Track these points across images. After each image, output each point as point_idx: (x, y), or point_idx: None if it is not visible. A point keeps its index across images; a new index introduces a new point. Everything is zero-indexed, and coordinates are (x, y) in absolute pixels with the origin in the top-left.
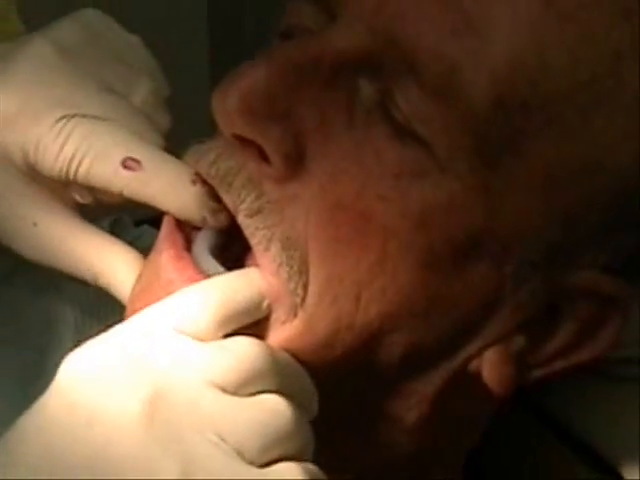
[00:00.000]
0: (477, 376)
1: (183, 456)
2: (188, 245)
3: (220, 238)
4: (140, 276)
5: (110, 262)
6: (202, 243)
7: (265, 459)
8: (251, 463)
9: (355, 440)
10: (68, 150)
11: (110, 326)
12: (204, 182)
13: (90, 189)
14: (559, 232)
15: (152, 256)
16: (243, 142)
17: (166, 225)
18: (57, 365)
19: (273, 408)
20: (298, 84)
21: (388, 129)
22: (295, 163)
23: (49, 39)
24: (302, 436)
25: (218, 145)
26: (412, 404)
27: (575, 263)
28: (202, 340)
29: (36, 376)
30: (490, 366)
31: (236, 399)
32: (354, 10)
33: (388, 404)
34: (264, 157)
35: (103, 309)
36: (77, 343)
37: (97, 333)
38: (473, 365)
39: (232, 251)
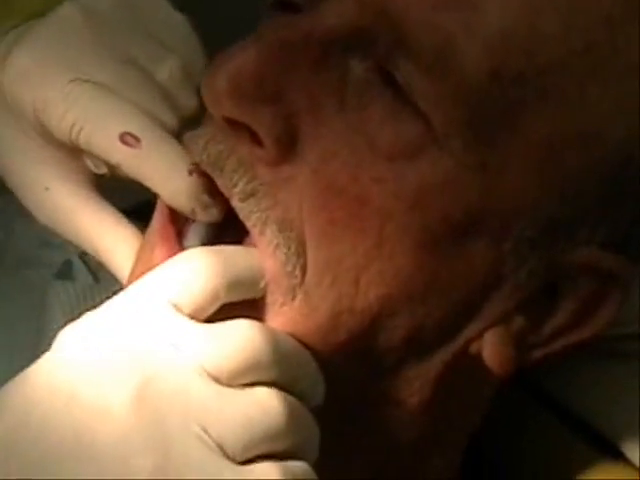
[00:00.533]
0: (478, 358)
1: (161, 450)
2: (180, 238)
3: (212, 231)
4: (133, 268)
5: (111, 240)
6: (194, 236)
7: (248, 455)
8: (232, 459)
9: (358, 426)
10: (71, 115)
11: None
12: (201, 174)
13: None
14: (557, 207)
15: (144, 248)
16: (233, 125)
17: (159, 216)
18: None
19: (264, 403)
20: (288, 65)
21: (381, 108)
22: (287, 146)
23: (79, 4)
24: (295, 433)
25: (208, 131)
26: (414, 388)
27: (573, 239)
28: (197, 310)
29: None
30: (491, 347)
31: (226, 390)
32: None
33: (390, 389)
34: (255, 140)
35: (92, 304)
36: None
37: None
38: (473, 347)
39: (224, 244)
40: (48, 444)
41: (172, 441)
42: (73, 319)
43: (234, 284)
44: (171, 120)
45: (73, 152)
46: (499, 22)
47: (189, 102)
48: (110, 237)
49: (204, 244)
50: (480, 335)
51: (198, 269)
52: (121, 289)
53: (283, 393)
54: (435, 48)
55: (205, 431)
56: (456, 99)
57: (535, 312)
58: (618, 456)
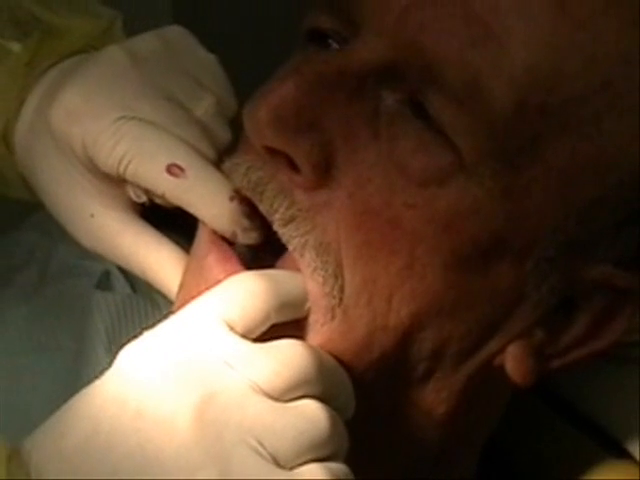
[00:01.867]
0: (500, 369)
1: (222, 464)
2: (232, 249)
3: (250, 253)
4: (182, 282)
5: (155, 259)
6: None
7: (298, 462)
8: (284, 467)
9: (386, 435)
10: (120, 149)
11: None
12: (242, 200)
13: (144, 189)
14: (575, 229)
15: (193, 262)
16: (273, 153)
17: (205, 233)
18: (93, 371)
19: (312, 416)
20: (325, 96)
21: (412, 138)
22: (324, 172)
23: (124, 47)
24: (336, 441)
25: (248, 158)
26: (441, 398)
27: (589, 258)
28: (249, 329)
29: (71, 384)
30: (513, 360)
31: (278, 405)
32: (377, 23)
33: (418, 399)
34: (294, 167)
35: (131, 316)
36: (111, 350)
37: (129, 339)
38: (497, 360)
39: (261, 263)
40: (116, 457)
41: (231, 454)
42: (113, 328)
43: (283, 306)
44: (210, 152)
45: (116, 183)
46: (523, 59)
47: (224, 135)
48: (154, 257)
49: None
50: (503, 348)
51: (252, 291)
52: (158, 302)
53: (326, 406)
54: (464, 83)
55: (260, 444)
56: (484, 131)
57: (553, 325)
58: (622, 454)
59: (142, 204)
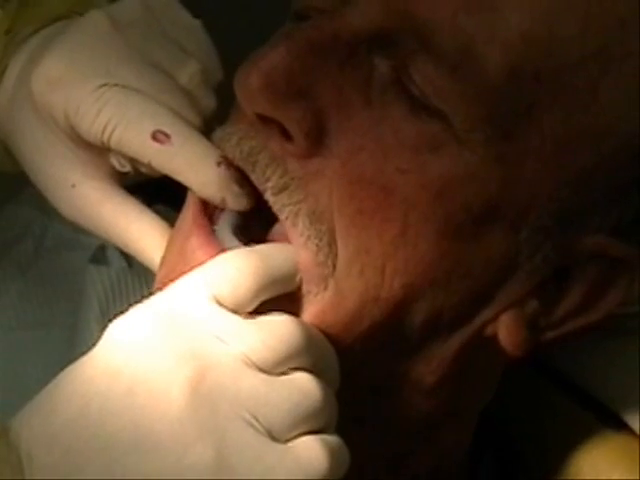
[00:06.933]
0: (493, 339)
1: (217, 438)
2: (213, 229)
3: (240, 219)
4: (164, 258)
5: (137, 230)
6: (225, 225)
7: (291, 435)
8: (279, 440)
9: (376, 405)
10: (103, 117)
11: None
12: (230, 165)
13: (128, 158)
14: (570, 197)
15: (177, 238)
16: (265, 121)
17: (191, 207)
18: (86, 346)
19: (304, 388)
20: (317, 63)
21: (404, 105)
22: (316, 140)
23: (107, 13)
24: (328, 412)
25: (240, 128)
26: (432, 367)
27: (585, 227)
28: (240, 307)
29: (67, 360)
30: (506, 329)
31: (271, 379)
32: None
33: (410, 369)
34: (286, 135)
35: (125, 290)
36: (104, 324)
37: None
38: (489, 329)
39: (252, 232)
40: (108, 435)
41: (226, 428)
42: (107, 303)
43: (274, 282)
44: (195, 119)
45: (99, 152)
46: (518, 24)
47: (209, 102)
48: (136, 228)
49: (234, 232)
50: (496, 318)
51: (242, 269)
52: (153, 276)
53: (318, 378)
54: (457, 50)
55: (255, 417)
56: (477, 97)
57: (547, 296)
58: (621, 426)
59: (126, 173)
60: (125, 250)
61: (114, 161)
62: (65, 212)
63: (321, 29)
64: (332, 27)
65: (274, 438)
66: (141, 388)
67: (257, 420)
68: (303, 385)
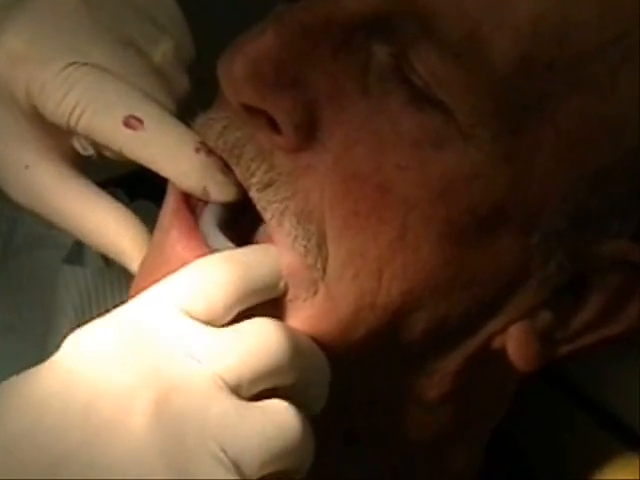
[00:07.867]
0: (501, 353)
1: (178, 469)
2: (196, 222)
3: (228, 213)
4: (144, 258)
5: (96, 219)
6: (210, 218)
7: (263, 473)
8: (247, 477)
9: (373, 422)
10: (71, 99)
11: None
12: (210, 152)
13: (93, 142)
14: (586, 198)
15: (157, 235)
16: (251, 112)
17: (172, 200)
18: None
19: (280, 420)
20: (308, 49)
21: (405, 95)
22: (307, 133)
23: None
24: (304, 452)
25: (225, 115)
26: (434, 382)
27: (603, 232)
28: (214, 320)
29: (38, 350)
30: (515, 343)
31: (244, 405)
32: None
33: (410, 383)
34: (274, 127)
35: (102, 293)
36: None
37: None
38: (497, 341)
39: (241, 227)
40: (57, 455)
41: (189, 460)
42: (82, 306)
43: (253, 291)
44: (169, 102)
45: (59, 134)
46: (529, 9)
47: (182, 83)
48: (95, 216)
49: (220, 225)
50: (504, 330)
51: (216, 280)
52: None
53: (296, 408)
54: (461, 36)
55: (222, 449)
56: (483, 89)
57: (562, 306)
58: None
59: (88, 157)
60: (80, 239)
61: (76, 144)
62: (18, 197)
63: (313, 12)
64: (325, 9)
65: (242, 474)
66: (98, 407)
67: (225, 453)
68: (279, 416)
